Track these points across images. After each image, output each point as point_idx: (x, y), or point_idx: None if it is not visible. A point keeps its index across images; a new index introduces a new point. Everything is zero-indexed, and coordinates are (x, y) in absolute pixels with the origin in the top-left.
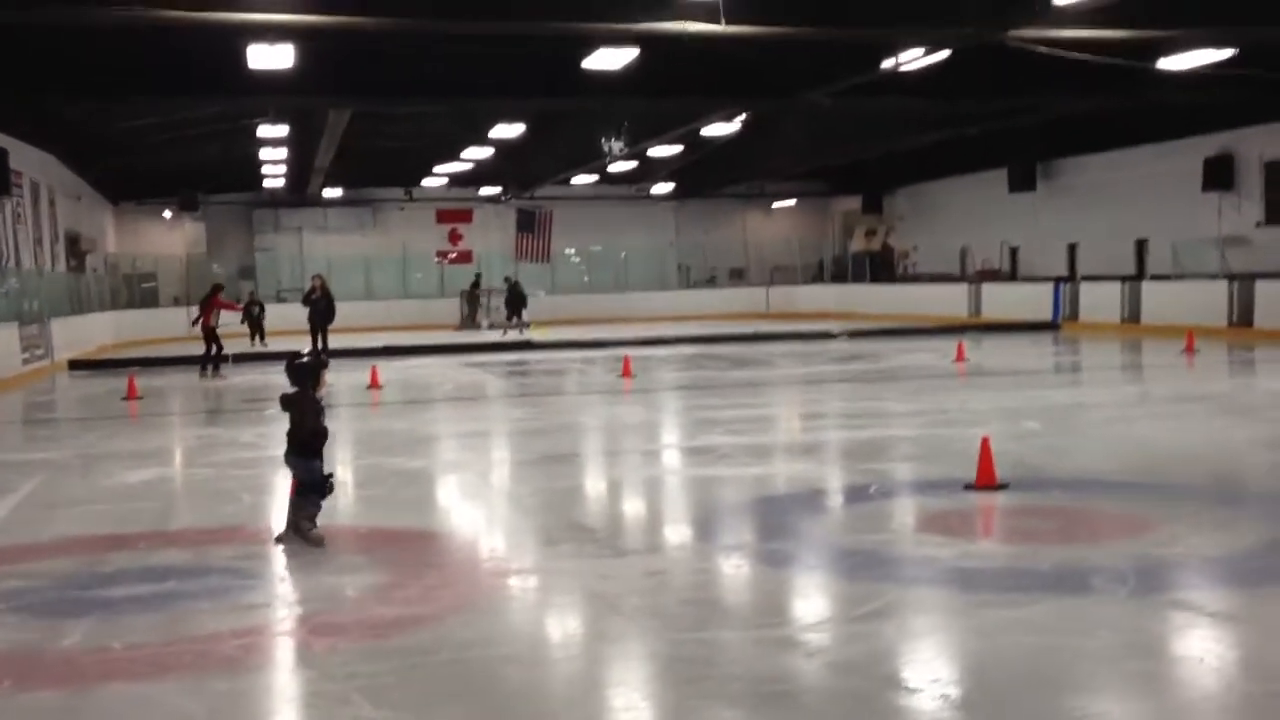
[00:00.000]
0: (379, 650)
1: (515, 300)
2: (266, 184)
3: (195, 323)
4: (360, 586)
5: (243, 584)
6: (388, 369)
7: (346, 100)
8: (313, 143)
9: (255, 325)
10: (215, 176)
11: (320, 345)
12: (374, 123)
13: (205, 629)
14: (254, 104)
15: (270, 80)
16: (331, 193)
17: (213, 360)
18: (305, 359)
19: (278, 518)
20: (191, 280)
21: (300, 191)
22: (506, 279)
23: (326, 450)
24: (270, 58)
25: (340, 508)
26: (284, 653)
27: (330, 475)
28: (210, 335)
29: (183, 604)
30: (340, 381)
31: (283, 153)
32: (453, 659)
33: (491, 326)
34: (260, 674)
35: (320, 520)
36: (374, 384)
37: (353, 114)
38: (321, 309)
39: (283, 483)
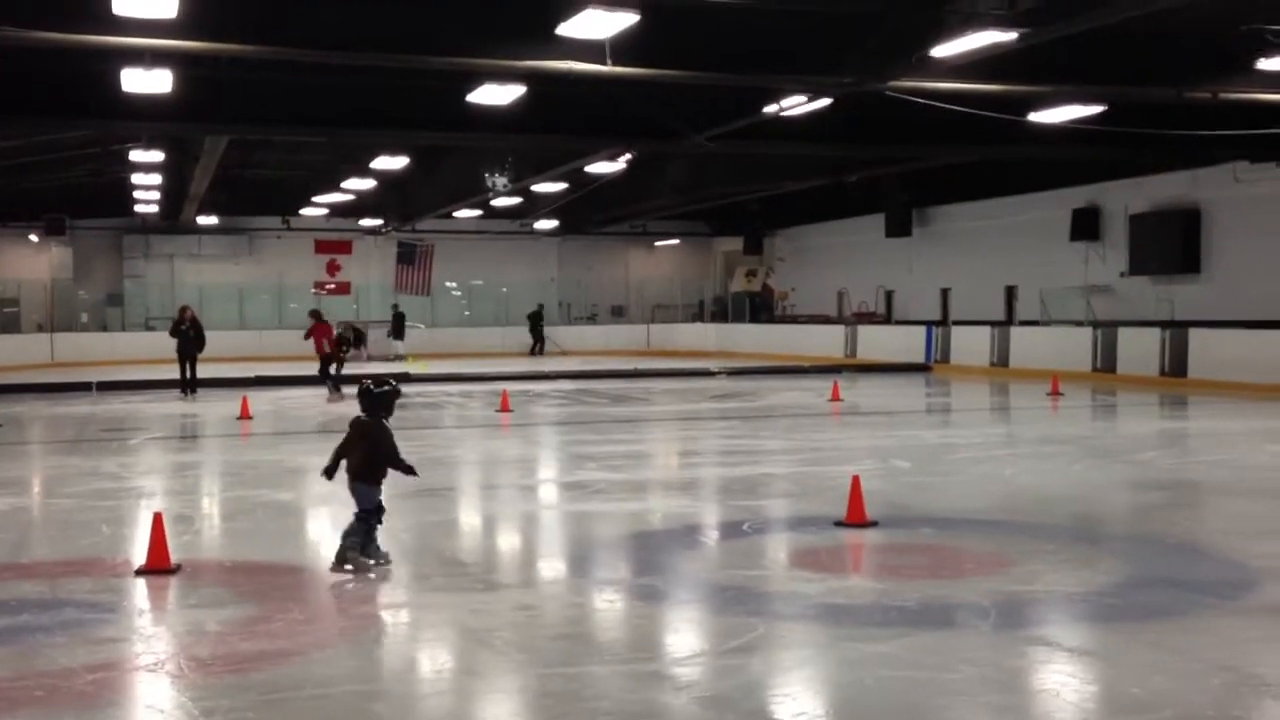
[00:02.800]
0: (240, 685)
1: (399, 327)
2: (138, 209)
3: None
4: (222, 620)
5: (100, 618)
6: (259, 399)
7: (224, 128)
8: (188, 169)
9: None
10: (84, 201)
11: (189, 375)
12: (252, 151)
13: (58, 664)
14: (128, 129)
15: (145, 106)
16: (206, 220)
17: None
18: (385, 387)
19: (138, 550)
20: (56, 306)
21: (174, 218)
22: (394, 306)
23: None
24: (146, 82)
25: (204, 541)
26: (140, 688)
27: (381, 506)
28: (327, 359)
29: (35, 638)
30: (209, 412)
31: (156, 178)
32: (317, 694)
33: (370, 359)
34: (114, 710)
35: (183, 553)
36: (244, 414)
37: (230, 141)
38: (190, 339)
39: (144, 516)
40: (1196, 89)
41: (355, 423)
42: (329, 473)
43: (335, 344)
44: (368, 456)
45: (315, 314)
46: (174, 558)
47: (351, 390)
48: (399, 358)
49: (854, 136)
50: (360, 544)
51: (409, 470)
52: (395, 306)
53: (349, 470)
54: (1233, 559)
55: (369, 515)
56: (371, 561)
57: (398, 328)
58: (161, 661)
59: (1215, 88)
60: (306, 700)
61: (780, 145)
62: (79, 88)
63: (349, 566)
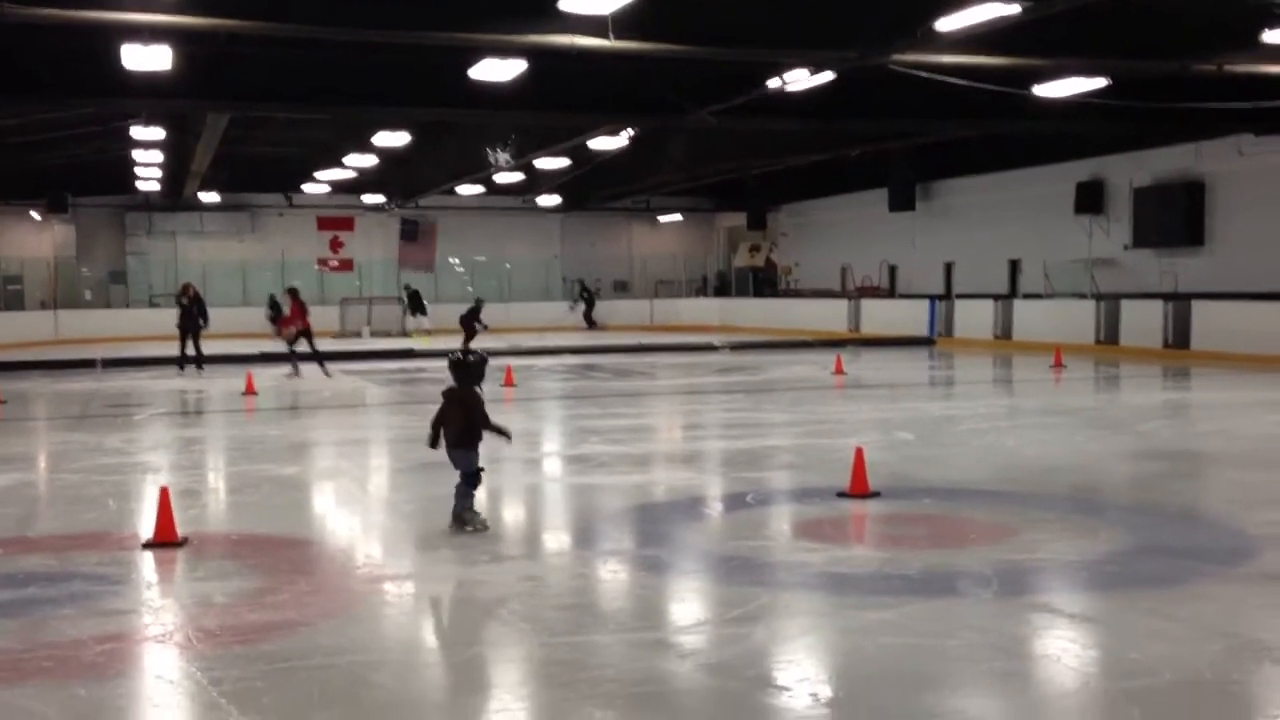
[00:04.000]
0: (247, 655)
1: (417, 303)
2: (140, 186)
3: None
4: (230, 592)
5: (107, 590)
6: (263, 375)
7: (225, 105)
8: (189, 146)
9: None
10: (86, 178)
11: (195, 352)
12: (253, 128)
13: (67, 635)
14: (128, 106)
15: (146, 82)
16: (208, 197)
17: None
18: (472, 357)
19: (145, 524)
20: (60, 284)
21: (175, 195)
22: (406, 286)
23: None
24: (146, 59)
25: (210, 514)
26: (149, 659)
27: (482, 468)
28: (294, 339)
29: (44, 610)
30: (214, 387)
31: (157, 155)
32: (323, 664)
33: (373, 334)
34: (123, 680)
35: (189, 527)
36: (249, 390)
37: (231, 118)
38: (193, 315)
39: (150, 490)
40: (1201, 62)
41: (448, 393)
42: (432, 443)
43: (308, 322)
44: (465, 424)
45: (294, 292)
46: (181, 531)
47: (309, 369)
48: (426, 333)
49: (857, 111)
50: (468, 505)
51: (501, 432)
52: (407, 286)
53: (447, 439)
54: (1233, 527)
55: (471, 478)
56: (468, 527)
57: (416, 304)
58: (170, 633)
59: (1220, 60)
60: (313, 670)
61: (783, 120)
62: (79, 65)
63: (469, 528)
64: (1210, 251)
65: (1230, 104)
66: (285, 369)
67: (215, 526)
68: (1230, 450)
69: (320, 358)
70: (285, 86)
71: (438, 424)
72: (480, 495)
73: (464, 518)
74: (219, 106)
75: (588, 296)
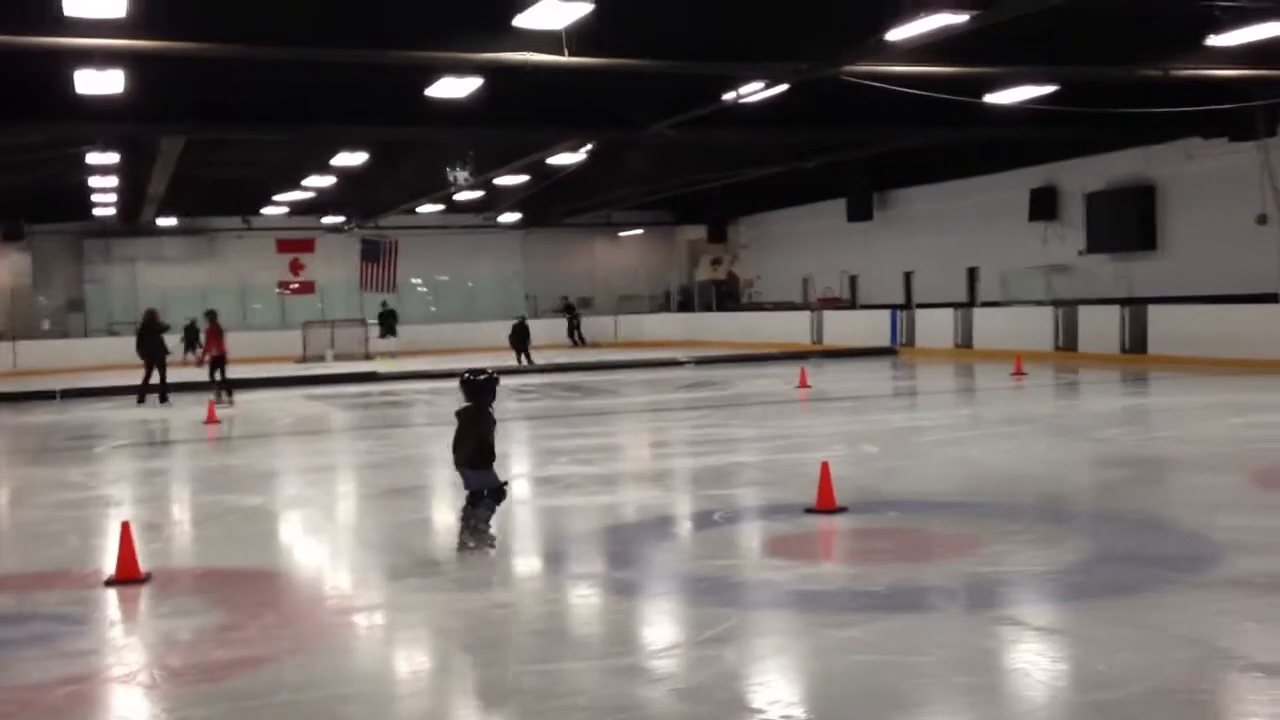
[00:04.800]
0: (212, 694)
1: (390, 325)
2: (97, 212)
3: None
4: (194, 629)
5: (70, 630)
6: (187, 405)
7: (180, 128)
8: (145, 170)
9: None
10: (43, 204)
11: (160, 380)
12: (210, 150)
13: (30, 678)
14: (83, 131)
15: (100, 106)
16: (166, 222)
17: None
18: (483, 376)
19: (107, 560)
20: (17, 313)
21: (133, 220)
22: (383, 304)
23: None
24: (99, 83)
25: (174, 548)
26: (113, 700)
27: (506, 482)
28: (214, 364)
29: (5, 651)
30: (175, 417)
31: (113, 180)
32: (290, 700)
33: (337, 358)
34: None
35: (153, 562)
36: (210, 419)
37: (187, 141)
38: (151, 344)
39: (112, 525)
40: (1148, 67)
41: (461, 413)
42: (456, 464)
43: (223, 347)
44: (478, 443)
45: (212, 315)
46: (144, 566)
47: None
48: (391, 356)
49: (813, 121)
50: (486, 519)
51: (490, 464)
52: (384, 304)
53: (458, 458)
54: (1196, 533)
55: (493, 495)
56: (474, 545)
57: (388, 325)
58: (134, 672)
59: (1167, 65)
60: (280, 706)
61: (740, 132)
62: (32, 90)
63: (477, 546)
64: (1163, 255)
65: (1177, 108)
66: (215, 396)
67: (179, 561)
68: (1190, 455)
69: (229, 386)
70: (241, 108)
71: (455, 446)
72: (449, 520)
73: (473, 535)
74: (174, 130)
75: (573, 314)
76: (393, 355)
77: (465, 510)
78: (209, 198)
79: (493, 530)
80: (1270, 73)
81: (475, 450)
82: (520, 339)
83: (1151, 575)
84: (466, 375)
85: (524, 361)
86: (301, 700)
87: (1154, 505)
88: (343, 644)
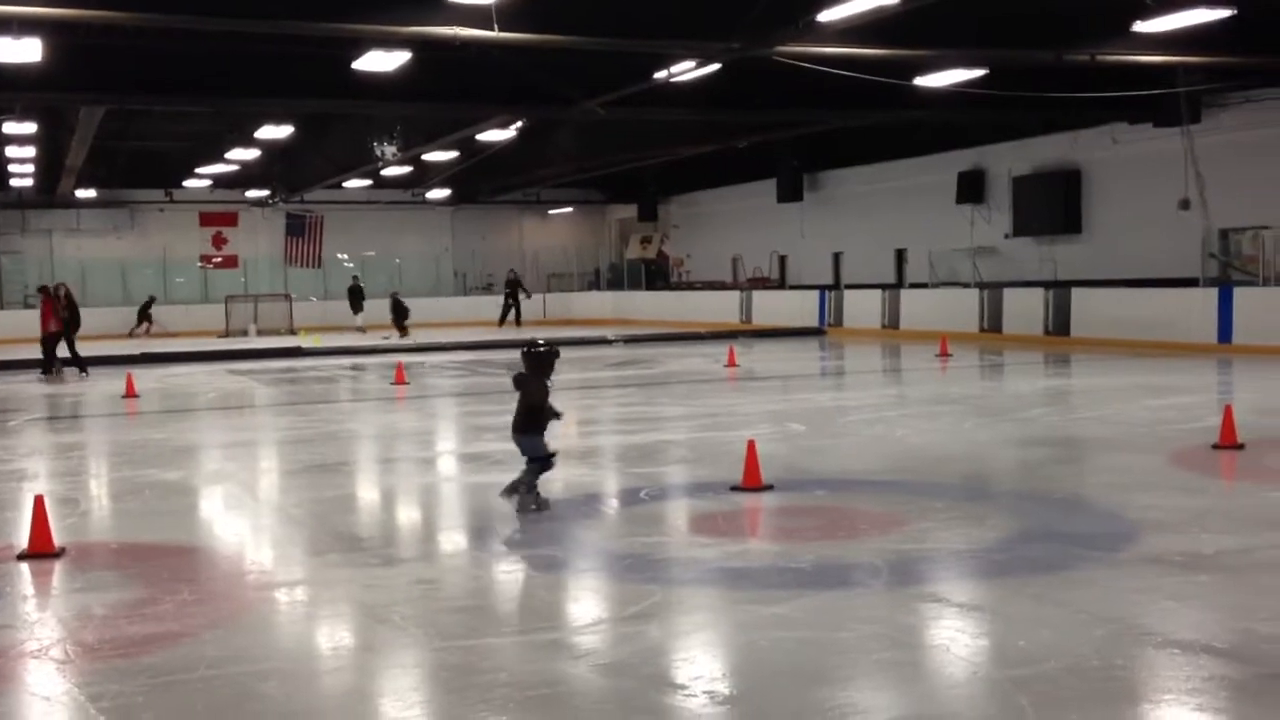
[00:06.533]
0: (128, 669)
1: (356, 300)
2: (13, 184)
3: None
4: (109, 604)
5: None
6: (145, 377)
7: (100, 98)
8: (64, 141)
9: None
10: None
11: (71, 354)
12: (130, 121)
13: None
14: None
15: (16, 75)
16: (85, 194)
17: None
18: (541, 348)
19: (20, 534)
20: None
21: (50, 192)
22: (354, 278)
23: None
24: (16, 51)
25: (90, 523)
26: (25, 676)
27: (554, 453)
28: (53, 338)
29: None
30: (93, 390)
31: (31, 151)
32: (207, 676)
33: (260, 333)
34: None
35: (67, 537)
36: (130, 393)
37: (107, 111)
38: (65, 318)
39: (26, 499)
40: (1075, 52)
41: (515, 378)
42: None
43: (61, 323)
44: (525, 410)
45: (45, 290)
46: (58, 541)
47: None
48: (359, 330)
49: (744, 102)
50: (530, 484)
51: (554, 415)
52: (355, 278)
53: (512, 425)
54: (1113, 511)
55: (541, 462)
56: (533, 506)
57: (355, 301)
58: (47, 648)
59: (1093, 50)
60: (197, 682)
61: (671, 111)
62: None
63: (533, 508)
64: (1087, 239)
65: (1103, 94)
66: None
67: (95, 535)
68: (1110, 435)
69: (66, 363)
70: (163, 78)
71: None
72: (372, 496)
73: (519, 490)
74: (93, 100)
75: (515, 292)
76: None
77: (526, 469)
78: (130, 170)
79: (543, 498)
80: (1194, 59)
81: (522, 417)
82: (398, 314)
83: (1071, 553)
84: (526, 346)
85: (400, 336)
86: (219, 676)
87: (1074, 485)
88: (262, 620)
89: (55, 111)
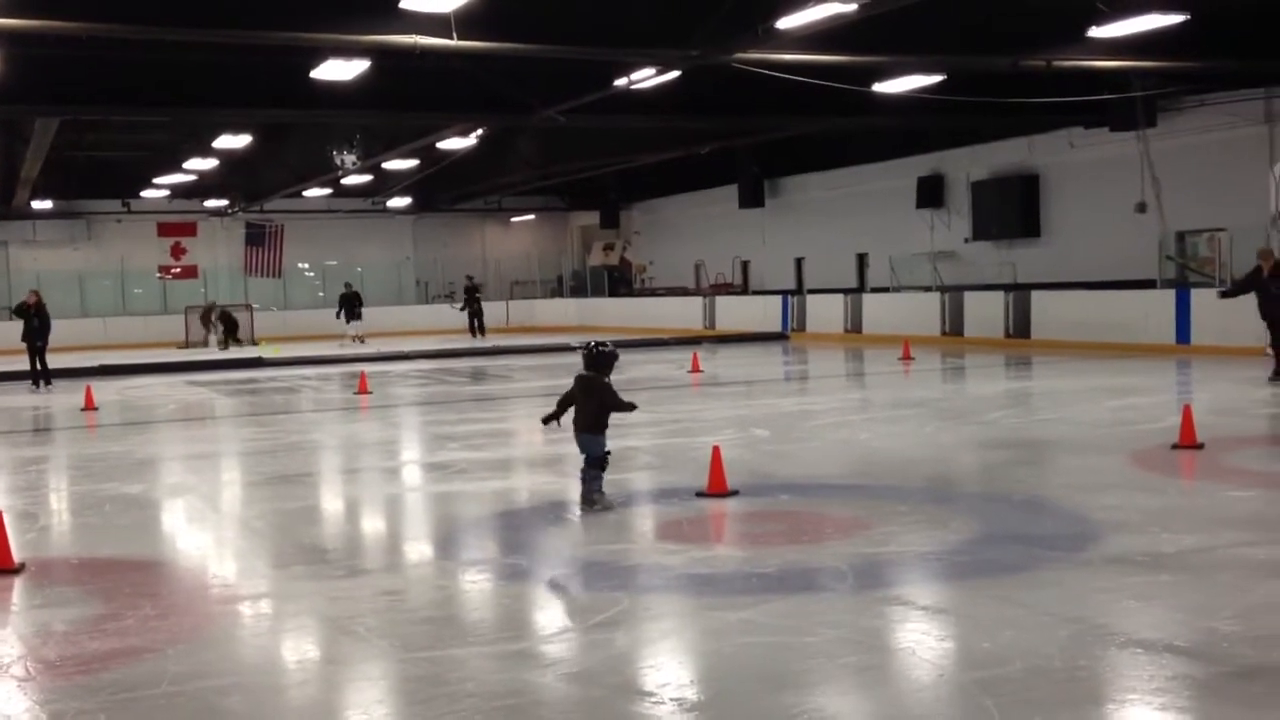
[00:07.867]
0: (90, 686)
1: (351, 308)
2: None
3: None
4: (71, 620)
5: None
6: (104, 389)
7: (54, 109)
8: (18, 152)
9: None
10: None
11: (39, 365)
12: (86, 131)
13: None
14: None
15: None
16: (41, 205)
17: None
18: (606, 347)
19: None
20: None
21: (5, 203)
22: (347, 285)
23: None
24: None
25: (50, 538)
26: None
27: (609, 451)
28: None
29: None
30: (52, 403)
31: None
32: (170, 692)
33: (222, 346)
34: None
35: (27, 552)
36: (89, 405)
37: (63, 122)
38: (35, 326)
39: None
40: (1031, 57)
41: (580, 379)
42: (556, 419)
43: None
44: (596, 410)
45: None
46: (17, 556)
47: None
48: (357, 339)
49: (704, 108)
50: (599, 488)
51: (630, 407)
52: (348, 285)
53: (576, 423)
54: (1075, 512)
55: (599, 461)
56: (598, 507)
57: (349, 309)
58: (7, 665)
59: (1049, 56)
60: (159, 698)
61: (632, 118)
62: None
63: (598, 507)
64: (1046, 243)
65: (1060, 98)
66: None
67: (55, 550)
68: (1071, 437)
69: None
70: (118, 88)
71: (563, 405)
72: (336, 507)
73: (593, 499)
74: (48, 111)
75: (475, 297)
76: (360, 339)
77: (583, 473)
78: (86, 180)
79: (607, 495)
80: (1149, 64)
81: (594, 417)
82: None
83: (1034, 555)
84: (590, 347)
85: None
86: (183, 692)
87: (1036, 486)
88: (226, 634)
89: (9, 123)
